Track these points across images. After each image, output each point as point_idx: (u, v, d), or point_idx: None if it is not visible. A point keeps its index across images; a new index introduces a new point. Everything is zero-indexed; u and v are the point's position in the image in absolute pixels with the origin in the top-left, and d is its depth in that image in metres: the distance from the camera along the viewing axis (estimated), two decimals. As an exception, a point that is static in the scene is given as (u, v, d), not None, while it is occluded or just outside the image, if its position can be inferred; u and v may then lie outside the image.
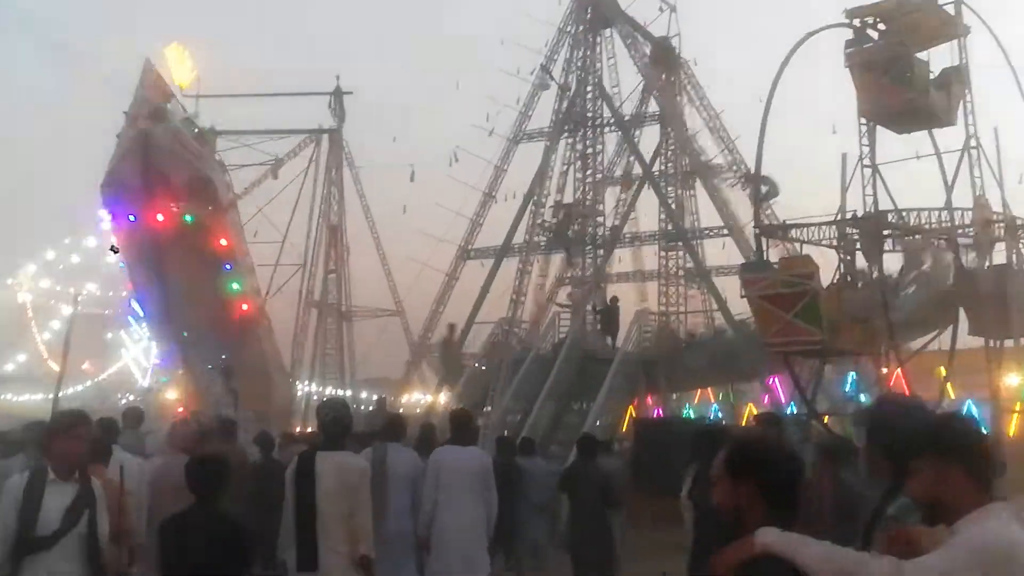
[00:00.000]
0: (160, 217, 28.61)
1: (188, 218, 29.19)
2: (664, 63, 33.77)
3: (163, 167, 28.86)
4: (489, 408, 27.03)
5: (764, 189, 25.69)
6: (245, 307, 31.55)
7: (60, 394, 23.69)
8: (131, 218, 29.45)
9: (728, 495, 3.40)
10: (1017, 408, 19.98)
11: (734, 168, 32.46)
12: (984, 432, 3.48)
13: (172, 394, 31.32)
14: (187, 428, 9.85)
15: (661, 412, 29.41)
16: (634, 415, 27.04)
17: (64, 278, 40.81)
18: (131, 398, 37.54)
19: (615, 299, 30.56)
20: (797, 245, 19.58)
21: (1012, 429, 19.60)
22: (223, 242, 30.96)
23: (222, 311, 29.73)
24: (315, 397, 36.37)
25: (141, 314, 33.66)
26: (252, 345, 31.86)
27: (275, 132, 36.22)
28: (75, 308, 29.11)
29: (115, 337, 44.70)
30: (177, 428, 10.00)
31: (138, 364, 44.63)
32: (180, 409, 25.61)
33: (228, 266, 30.97)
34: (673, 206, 33.13)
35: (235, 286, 31.05)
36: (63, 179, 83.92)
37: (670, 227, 33.25)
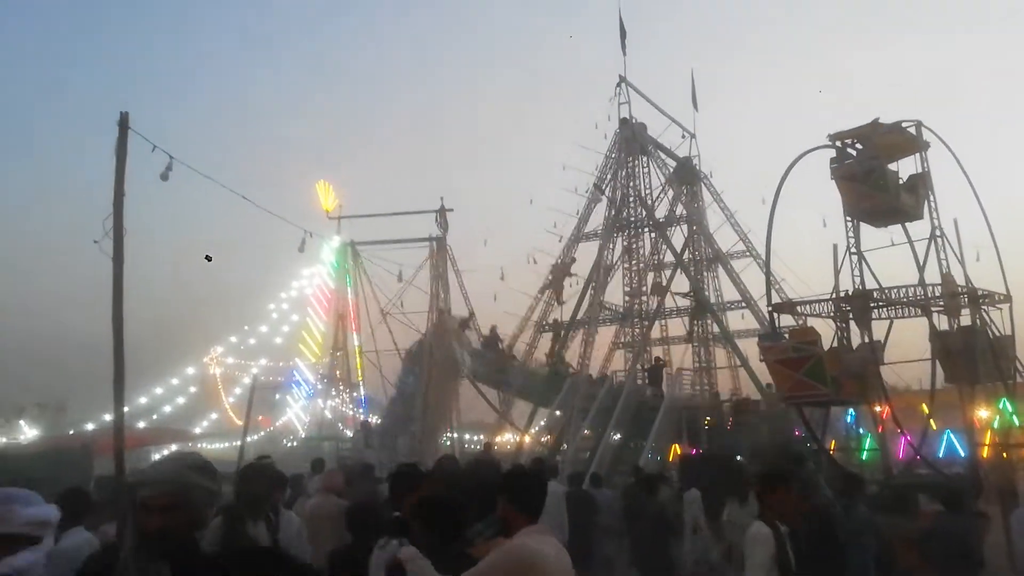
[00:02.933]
0: None
1: None
2: (687, 177, 33.74)
3: None
4: (565, 447, 25.94)
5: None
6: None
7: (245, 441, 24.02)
8: None
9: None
10: (988, 438, 19.06)
11: (747, 255, 32.48)
12: (531, 476, 3.98)
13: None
14: (336, 476, 9.82)
15: (699, 451, 28.34)
16: (679, 452, 25.68)
17: (244, 356, 42.40)
18: (293, 443, 37.66)
19: (659, 359, 29.82)
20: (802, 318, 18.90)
21: (985, 453, 18.61)
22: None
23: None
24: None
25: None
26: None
27: (396, 241, 36.94)
28: (254, 378, 29.01)
29: (281, 398, 45.67)
30: (329, 475, 10.01)
31: (298, 418, 45.48)
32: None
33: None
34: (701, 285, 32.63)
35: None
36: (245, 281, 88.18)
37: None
